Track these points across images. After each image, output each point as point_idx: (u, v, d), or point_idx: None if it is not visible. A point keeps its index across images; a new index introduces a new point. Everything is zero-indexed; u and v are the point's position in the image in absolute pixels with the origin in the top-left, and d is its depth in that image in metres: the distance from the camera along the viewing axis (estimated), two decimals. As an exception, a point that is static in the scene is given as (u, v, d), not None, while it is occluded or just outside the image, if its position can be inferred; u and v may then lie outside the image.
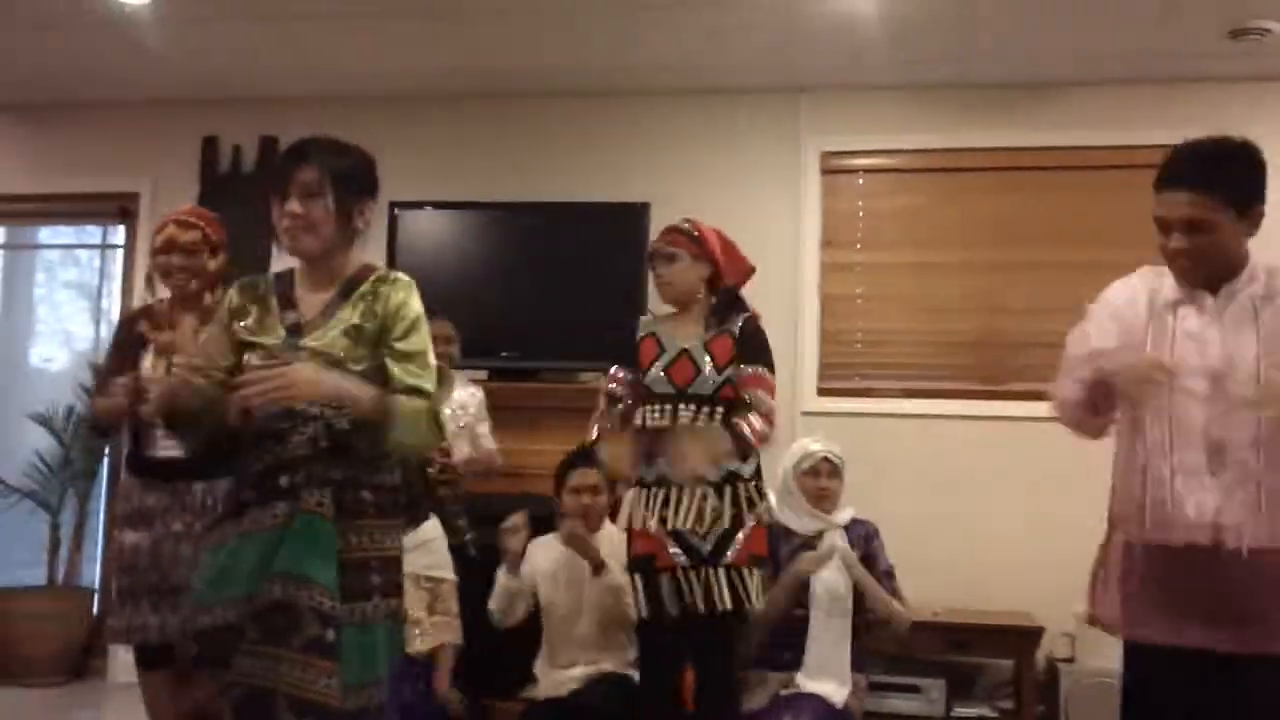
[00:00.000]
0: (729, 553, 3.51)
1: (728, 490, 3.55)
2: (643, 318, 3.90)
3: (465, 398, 4.87)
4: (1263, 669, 2.53)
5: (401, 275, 2.81)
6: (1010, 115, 5.69)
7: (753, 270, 3.84)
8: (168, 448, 3.56)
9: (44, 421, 6.25)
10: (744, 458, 3.58)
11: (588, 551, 4.11)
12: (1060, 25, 5.09)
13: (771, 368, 3.67)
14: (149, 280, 3.92)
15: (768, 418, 3.58)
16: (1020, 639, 5.04)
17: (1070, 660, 5.06)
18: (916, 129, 5.79)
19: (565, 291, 5.57)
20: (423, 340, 2.75)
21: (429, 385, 2.70)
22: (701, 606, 3.48)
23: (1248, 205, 2.59)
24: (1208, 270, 2.63)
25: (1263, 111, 5.29)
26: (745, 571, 3.52)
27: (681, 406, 3.58)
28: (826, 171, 5.86)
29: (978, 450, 5.48)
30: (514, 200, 5.84)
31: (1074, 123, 5.63)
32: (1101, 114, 5.59)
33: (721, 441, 3.52)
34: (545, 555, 4.35)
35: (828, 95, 5.84)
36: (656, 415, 3.62)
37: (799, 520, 4.17)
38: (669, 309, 3.84)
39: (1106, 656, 4.94)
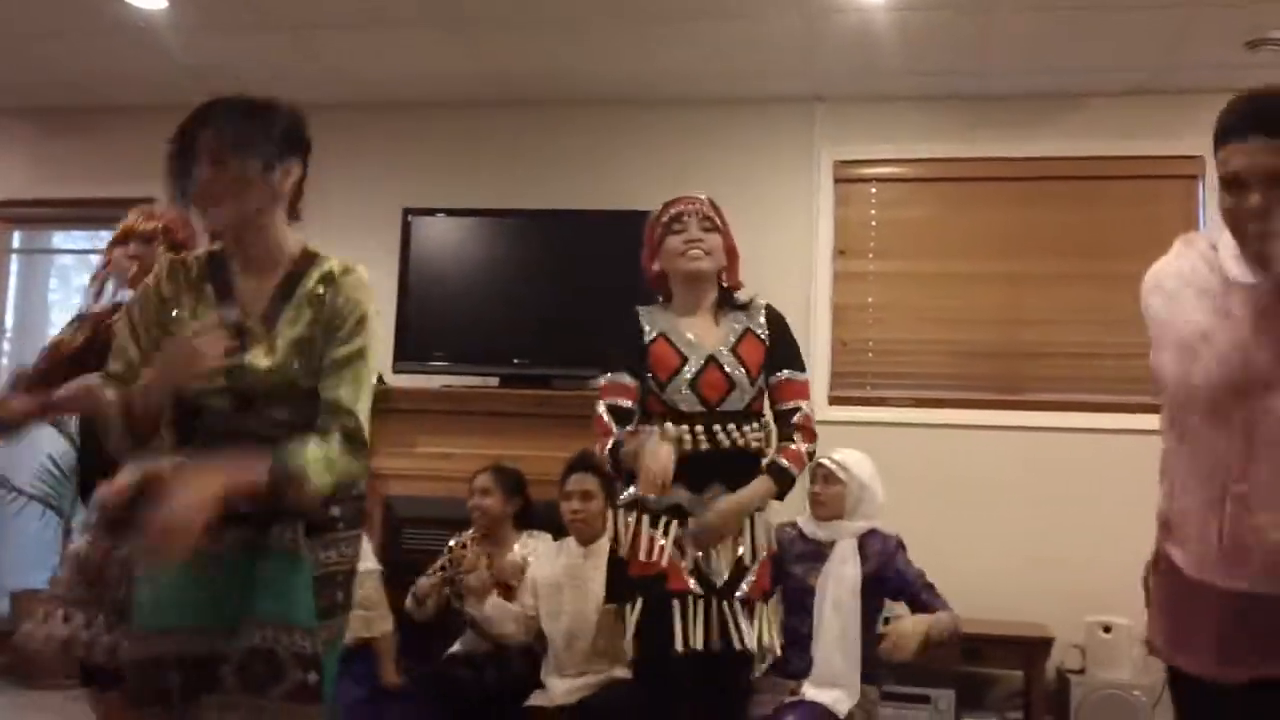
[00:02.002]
0: (744, 585, 3.19)
1: (746, 520, 3.23)
2: (640, 309, 3.40)
3: (527, 555, 4.58)
4: None
5: (353, 268, 2.53)
6: (1025, 126, 5.68)
7: (741, 286, 3.48)
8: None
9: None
10: (781, 497, 3.29)
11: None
12: (1075, 36, 5.07)
13: (803, 364, 3.37)
14: (93, 279, 3.63)
15: (809, 431, 3.30)
16: (1031, 649, 5.01)
17: (1081, 671, 5.03)
18: (931, 139, 5.78)
19: (577, 299, 5.57)
20: (362, 344, 2.46)
21: (351, 402, 2.41)
22: (717, 640, 3.11)
23: None
24: None
25: None
26: (759, 607, 3.22)
27: (716, 426, 3.18)
28: (840, 181, 5.86)
29: (990, 460, 5.46)
30: (526, 207, 5.85)
31: (1089, 133, 5.61)
32: (1117, 124, 5.57)
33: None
34: (545, 568, 4.38)
35: (842, 105, 5.84)
36: (686, 437, 3.18)
37: (809, 526, 4.18)
38: (657, 302, 3.45)
39: (1117, 668, 4.93)
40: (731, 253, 3.40)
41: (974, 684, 5.28)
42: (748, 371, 3.26)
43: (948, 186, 5.82)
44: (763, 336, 3.34)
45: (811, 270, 5.76)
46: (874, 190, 5.88)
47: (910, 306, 5.76)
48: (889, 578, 4.08)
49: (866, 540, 4.11)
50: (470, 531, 4.65)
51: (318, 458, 2.33)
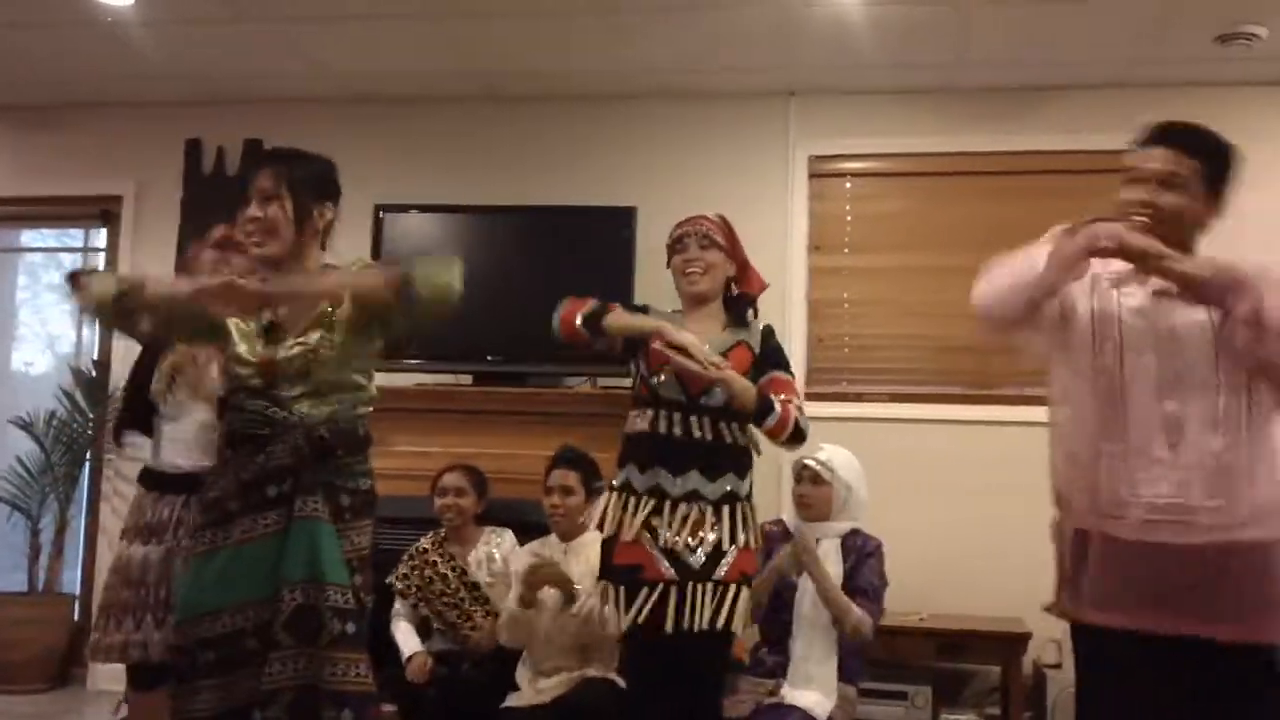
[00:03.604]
0: (721, 569, 3.26)
1: (725, 509, 3.31)
2: (653, 308, 3.55)
3: (492, 552, 4.63)
4: (1230, 655, 2.44)
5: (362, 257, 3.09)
6: (999, 120, 5.68)
7: (766, 286, 3.61)
8: (182, 459, 3.55)
9: (25, 427, 6.19)
10: (750, 416, 3.31)
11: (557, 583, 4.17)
12: (1049, 30, 5.08)
13: (792, 371, 3.52)
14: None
15: (798, 410, 3.38)
16: (1008, 645, 4.99)
17: (1057, 666, 5.03)
18: (905, 133, 5.77)
19: (552, 295, 5.51)
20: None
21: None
22: (686, 624, 3.22)
23: (1217, 182, 2.62)
24: (1162, 234, 2.56)
25: (1252, 117, 5.28)
26: (734, 589, 3.27)
27: (693, 418, 3.31)
28: (815, 175, 5.84)
29: (965, 455, 5.45)
30: (501, 204, 5.81)
31: (1063, 127, 5.61)
32: (1090, 119, 5.57)
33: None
34: (525, 564, 4.33)
35: (817, 99, 5.82)
36: (662, 422, 3.33)
37: (794, 524, 4.16)
38: (669, 308, 3.58)
39: (1094, 663, 4.94)
40: (743, 265, 3.54)
41: (951, 679, 5.28)
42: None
43: (923, 181, 5.82)
44: (754, 347, 3.45)
45: (786, 265, 5.73)
46: (849, 185, 5.87)
47: (886, 301, 5.75)
48: (854, 574, 4.04)
49: (848, 540, 4.10)
50: (432, 534, 4.63)
51: (424, 260, 2.86)
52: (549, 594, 4.18)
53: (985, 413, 5.50)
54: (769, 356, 3.46)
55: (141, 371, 3.81)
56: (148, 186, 6.32)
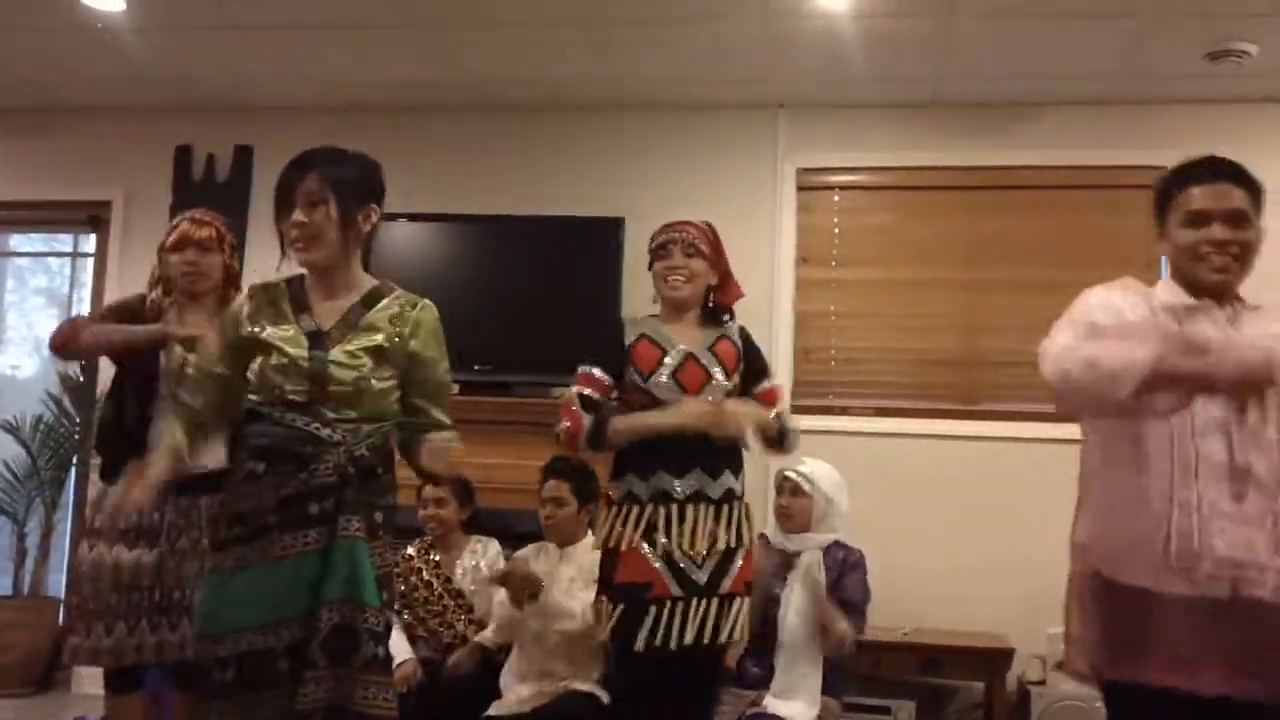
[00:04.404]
0: (726, 581, 3.25)
1: (725, 508, 3.29)
2: (627, 319, 3.59)
3: (477, 561, 4.64)
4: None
5: (428, 303, 2.94)
6: (988, 134, 5.69)
7: (742, 295, 3.59)
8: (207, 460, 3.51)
9: (12, 430, 6.18)
10: (771, 441, 3.38)
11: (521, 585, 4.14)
12: (1038, 45, 5.09)
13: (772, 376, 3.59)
14: (154, 282, 3.78)
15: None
16: (992, 660, 5.01)
17: (1042, 683, 5.03)
18: (894, 147, 5.78)
19: (539, 306, 5.54)
20: (446, 371, 3.00)
21: (447, 418, 2.98)
22: (691, 639, 3.18)
23: (1260, 215, 2.56)
24: (1241, 271, 2.50)
25: (1241, 133, 5.28)
26: (740, 601, 3.27)
27: None
28: (803, 188, 5.84)
29: (952, 470, 5.45)
30: (489, 213, 5.81)
31: (1052, 142, 5.63)
32: (1079, 134, 5.59)
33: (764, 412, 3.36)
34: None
35: (805, 112, 5.83)
36: None
37: (776, 537, 4.18)
38: (648, 311, 3.56)
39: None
40: (724, 275, 3.52)
41: (935, 695, 5.28)
42: (724, 367, 3.38)
43: (911, 194, 5.82)
44: (736, 342, 3.47)
45: (774, 278, 5.74)
46: (837, 198, 5.87)
47: (873, 314, 5.76)
48: (839, 588, 4.06)
49: (829, 552, 4.11)
50: (418, 541, 4.63)
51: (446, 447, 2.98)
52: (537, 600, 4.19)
53: (970, 427, 5.51)
54: (753, 359, 3.49)
55: (124, 405, 3.67)
56: (137, 192, 6.31)
